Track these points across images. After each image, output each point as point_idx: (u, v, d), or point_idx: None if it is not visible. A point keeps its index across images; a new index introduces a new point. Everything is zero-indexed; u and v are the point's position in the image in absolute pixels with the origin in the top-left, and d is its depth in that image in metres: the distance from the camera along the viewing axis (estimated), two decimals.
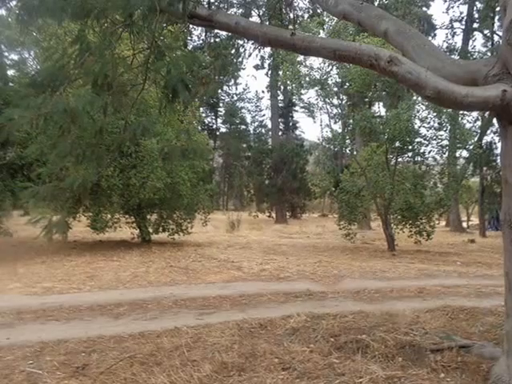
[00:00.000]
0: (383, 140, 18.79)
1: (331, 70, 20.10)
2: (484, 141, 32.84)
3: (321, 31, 19.50)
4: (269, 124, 59.31)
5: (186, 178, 16.75)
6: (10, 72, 24.05)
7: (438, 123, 18.53)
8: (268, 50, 36.10)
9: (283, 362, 5.24)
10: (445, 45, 35.76)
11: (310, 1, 18.09)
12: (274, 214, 44.05)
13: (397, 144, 18.59)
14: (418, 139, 18.58)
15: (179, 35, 7.19)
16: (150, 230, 18.24)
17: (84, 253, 15.40)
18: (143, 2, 4.97)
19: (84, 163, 6.44)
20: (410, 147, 18.80)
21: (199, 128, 26.66)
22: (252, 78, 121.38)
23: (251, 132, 67.42)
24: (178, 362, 5.28)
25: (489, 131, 32.44)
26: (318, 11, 23.06)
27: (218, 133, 65.82)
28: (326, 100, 21.89)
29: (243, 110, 68.85)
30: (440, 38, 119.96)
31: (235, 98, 68.54)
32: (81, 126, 5.57)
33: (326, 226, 33.04)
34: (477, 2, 36.70)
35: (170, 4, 5.12)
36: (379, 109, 42.67)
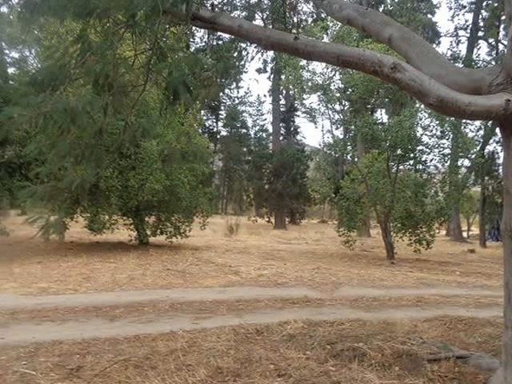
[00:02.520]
0: (385, 147, 18.78)
1: (334, 75, 20.16)
2: (486, 150, 32.98)
3: (324, 36, 19.55)
4: (270, 128, 59.46)
5: (185, 180, 16.72)
6: (11, 70, 24.18)
7: (441, 131, 18.54)
8: (271, 53, 36.41)
9: (279, 369, 5.20)
10: (449, 53, 35.96)
11: (314, 5, 18.06)
12: (272, 219, 44.02)
13: (398, 151, 18.58)
14: (419, 147, 18.57)
15: (182, 37, 7.14)
16: (148, 233, 18.19)
17: (81, 254, 15.36)
18: (146, 3, 4.93)
19: (83, 163, 6.41)
20: (412, 155, 18.78)
21: (200, 131, 26.64)
22: (254, 82, 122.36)
23: (252, 136, 67.47)
24: (173, 366, 5.25)
25: (491, 141, 32.53)
26: (322, 16, 23.11)
27: (218, 136, 65.83)
28: (328, 105, 21.83)
29: (244, 114, 69.15)
30: (444, 46, 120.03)
31: (237, 101, 68.82)
32: (80, 126, 5.52)
33: (325, 233, 33.03)
34: (482, 11, 36.81)
35: (173, 5, 5.07)
36: (381, 115, 42.69)
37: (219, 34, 17.11)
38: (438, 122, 18.23)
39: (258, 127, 68.74)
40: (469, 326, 7.68)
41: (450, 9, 39.11)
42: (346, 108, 28.88)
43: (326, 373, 5.10)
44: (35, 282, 10.85)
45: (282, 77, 27.42)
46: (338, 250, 21.65)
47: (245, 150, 61.98)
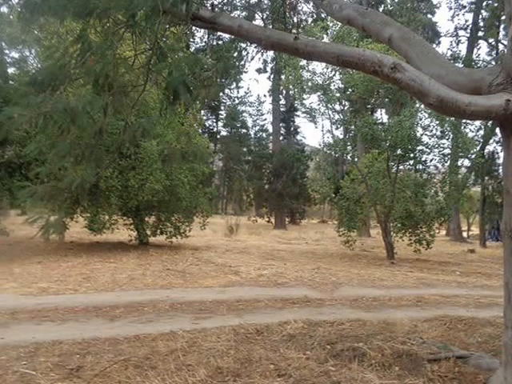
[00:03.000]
0: (385, 147, 18.78)
1: (334, 75, 20.16)
2: (486, 150, 32.98)
3: (324, 36, 19.55)
4: (270, 128, 59.44)
5: (185, 180, 16.71)
6: (11, 70, 24.19)
7: (441, 131, 18.54)
8: (271, 53, 36.45)
9: (279, 369, 5.20)
10: (449, 53, 35.95)
11: (314, 5, 18.06)
12: (272, 219, 44.01)
13: (398, 151, 18.58)
14: (419, 147, 18.57)
15: (182, 37, 7.13)
16: (148, 233, 18.18)
17: (81, 254, 15.35)
18: (146, 3, 4.93)
19: (83, 164, 6.41)
20: (412, 155, 18.78)
21: (200, 131, 26.63)
22: (254, 82, 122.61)
23: (252, 136, 67.43)
24: (173, 366, 5.25)
25: (491, 140, 32.54)
26: (322, 16, 23.12)
27: (218, 136, 65.80)
28: (328, 105, 21.83)
29: (244, 114, 69.13)
30: (444, 46, 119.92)
31: (237, 101, 68.79)
32: (80, 126, 5.52)
33: (325, 233, 33.03)
34: (482, 11, 36.80)
35: (173, 5, 5.07)
36: (381, 115, 42.74)
37: (219, 34, 17.13)
38: (438, 122, 18.23)
39: (257, 127, 68.82)
40: (469, 326, 7.68)
41: (450, 9, 39.19)
42: (346, 108, 28.90)
43: (326, 373, 5.10)
44: (35, 282, 10.84)
45: (282, 77, 27.44)
46: (338, 249, 21.65)
47: (245, 150, 61.93)
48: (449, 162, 20.39)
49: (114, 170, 15.13)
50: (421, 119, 18.72)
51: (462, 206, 32.24)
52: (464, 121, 18.94)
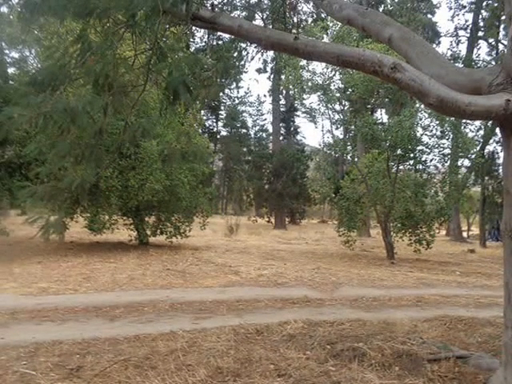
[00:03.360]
0: (385, 147, 18.77)
1: (334, 75, 20.16)
2: (486, 150, 32.97)
3: (324, 36, 19.55)
4: (270, 128, 59.42)
5: (185, 180, 16.70)
6: (11, 70, 24.18)
7: (441, 131, 18.54)
8: (271, 53, 36.44)
9: (279, 369, 5.20)
10: (449, 53, 35.95)
11: (314, 5, 18.05)
12: (272, 219, 44.00)
13: (398, 151, 18.57)
14: (419, 147, 18.57)
15: (182, 37, 7.13)
16: (148, 233, 18.18)
17: (81, 254, 15.34)
18: (146, 3, 4.92)
19: (83, 164, 6.41)
20: (412, 155, 18.78)
21: (200, 131, 26.61)
22: (254, 82, 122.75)
23: (252, 136, 67.39)
24: (173, 366, 5.25)
25: (491, 140, 32.53)
26: (322, 16, 23.11)
27: (218, 136, 65.76)
28: (328, 105, 21.83)
29: (244, 114, 69.08)
30: (444, 46, 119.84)
31: (237, 101, 68.75)
32: (80, 126, 5.52)
33: (325, 233, 33.02)
34: (482, 11, 36.79)
35: (173, 5, 5.07)
36: (381, 115, 42.73)
37: (219, 34, 17.11)
38: (438, 122, 18.22)
39: (257, 127, 68.79)
40: (469, 326, 7.68)
41: (450, 9, 39.23)
42: (346, 108, 28.89)
43: (326, 373, 5.10)
44: (35, 282, 10.84)
45: (282, 77, 27.44)
46: (338, 249, 21.64)
47: (245, 150, 61.91)
48: (449, 162, 20.40)
49: (114, 170, 15.13)
50: (421, 119, 18.74)
51: (462, 206, 32.23)
52: (464, 121, 18.95)
